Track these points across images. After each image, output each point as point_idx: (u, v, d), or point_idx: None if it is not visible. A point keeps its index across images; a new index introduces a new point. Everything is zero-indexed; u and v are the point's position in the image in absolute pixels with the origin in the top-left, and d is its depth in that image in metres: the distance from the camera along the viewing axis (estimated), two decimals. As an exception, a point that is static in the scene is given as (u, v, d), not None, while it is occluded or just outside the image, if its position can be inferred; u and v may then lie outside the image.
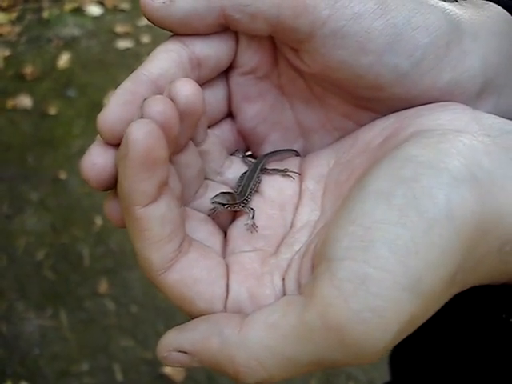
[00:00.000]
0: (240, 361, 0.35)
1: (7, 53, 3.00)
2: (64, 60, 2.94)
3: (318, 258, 0.36)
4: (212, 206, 0.44)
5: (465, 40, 0.41)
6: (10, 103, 2.74)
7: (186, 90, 0.37)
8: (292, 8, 0.38)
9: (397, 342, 0.34)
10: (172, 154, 0.40)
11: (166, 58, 0.40)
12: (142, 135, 0.34)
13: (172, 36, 0.41)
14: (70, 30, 3.15)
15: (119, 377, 1.88)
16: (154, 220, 0.36)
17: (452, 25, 0.40)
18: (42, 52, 3.01)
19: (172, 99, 0.37)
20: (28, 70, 2.89)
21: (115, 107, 0.38)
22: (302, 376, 1.83)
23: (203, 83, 0.43)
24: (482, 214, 0.33)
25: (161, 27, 0.40)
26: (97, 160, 0.38)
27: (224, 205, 0.43)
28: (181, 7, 0.39)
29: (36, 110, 2.73)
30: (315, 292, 0.34)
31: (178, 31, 0.41)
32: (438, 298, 0.34)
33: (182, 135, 0.39)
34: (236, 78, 0.45)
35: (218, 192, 0.44)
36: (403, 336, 0.34)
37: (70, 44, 3.08)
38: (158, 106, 0.35)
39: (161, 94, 0.38)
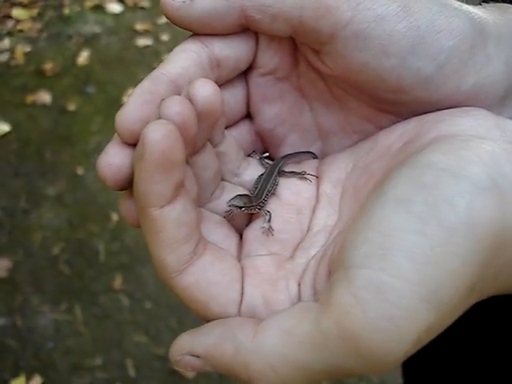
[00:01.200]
0: (254, 367, 0.35)
1: (28, 49, 3.02)
2: (84, 57, 2.96)
3: (335, 265, 0.36)
4: (228, 209, 0.43)
5: (489, 44, 0.40)
6: (29, 99, 2.76)
7: (205, 90, 0.37)
8: (314, 9, 0.38)
9: (412, 353, 0.33)
10: (189, 155, 0.39)
11: (185, 58, 0.40)
12: (158, 137, 0.33)
13: (191, 36, 0.41)
14: (91, 27, 3.17)
15: (132, 372, 1.89)
16: (170, 222, 0.36)
17: (476, 28, 0.39)
18: (63, 48, 3.03)
19: (190, 100, 0.37)
20: (48, 66, 2.91)
21: (134, 107, 0.37)
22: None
23: (222, 83, 0.42)
24: (503, 222, 0.33)
25: (181, 27, 0.39)
26: (113, 160, 0.37)
27: (241, 207, 0.43)
28: (201, 7, 0.38)
29: (55, 105, 2.75)
30: (332, 300, 0.33)
31: (198, 31, 0.40)
32: (457, 308, 0.33)
33: (200, 136, 0.39)
34: (255, 79, 0.44)
35: (234, 194, 0.44)
36: (419, 346, 0.33)
37: (89, 41, 3.10)
38: (176, 107, 0.35)
39: (179, 94, 0.38)
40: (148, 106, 0.37)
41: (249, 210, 0.43)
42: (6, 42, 3.06)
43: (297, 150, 0.48)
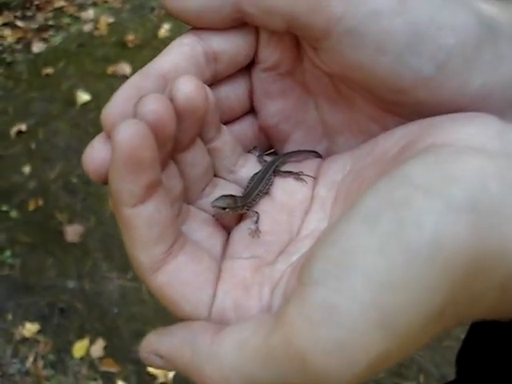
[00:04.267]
0: (207, 373, 0.34)
1: (111, 20, 3.09)
2: (165, 29, 2.99)
3: (297, 277, 0.34)
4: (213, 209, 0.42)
5: (501, 43, 0.36)
6: (110, 69, 2.82)
7: (186, 87, 0.36)
8: (306, 4, 0.36)
9: (370, 375, 0.31)
10: (175, 152, 0.39)
11: (178, 52, 0.39)
12: (127, 136, 0.33)
13: (189, 30, 0.40)
14: None
15: (191, 344, 1.92)
16: (141, 221, 0.35)
17: (485, 26, 0.36)
18: (145, 21, 3.08)
19: (171, 97, 0.36)
20: (130, 37, 2.97)
21: (118, 101, 0.37)
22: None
23: (223, 78, 0.42)
24: (479, 248, 0.29)
25: (179, 19, 0.39)
26: (97, 154, 0.36)
27: (224, 208, 0.41)
28: (196, 0, 0.38)
29: (134, 77, 2.80)
30: (284, 315, 0.32)
31: (195, 24, 0.39)
32: (420, 334, 0.30)
33: (185, 133, 0.39)
34: (258, 74, 0.43)
35: (227, 191, 0.43)
36: (377, 370, 0.31)
37: (171, 14, 3.13)
38: (151, 105, 0.34)
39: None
40: (132, 101, 0.36)
41: (234, 211, 0.42)
42: (91, 13, 3.14)
43: (302, 148, 0.46)
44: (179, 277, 0.37)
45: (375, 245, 0.29)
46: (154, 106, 0.35)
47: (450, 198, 0.29)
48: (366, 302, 0.29)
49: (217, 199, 0.42)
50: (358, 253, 0.30)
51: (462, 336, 0.70)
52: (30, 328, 2.05)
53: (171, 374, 1.86)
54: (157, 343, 0.38)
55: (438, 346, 1.80)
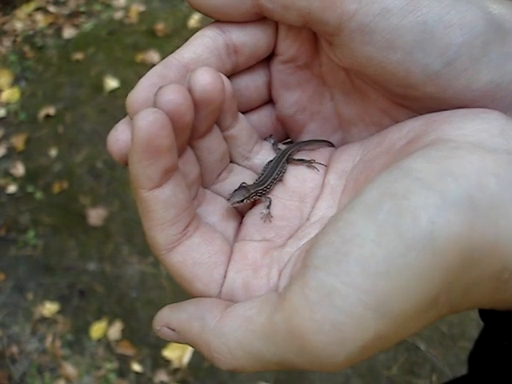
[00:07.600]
0: (214, 347, 0.37)
1: (142, 8, 3.10)
2: (195, 19, 3.00)
3: (302, 260, 0.36)
4: (231, 203, 0.44)
5: (508, 41, 0.38)
6: (139, 57, 2.84)
7: (203, 79, 0.38)
8: (321, 0, 0.38)
9: (365, 356, 0.33)
10: (192, 138, 0.41)
11: (200, 44, 0.41)
12: (145, 124, 0.35)
13: (212, 23, 0.42)
14: (204, -9, 3.19)
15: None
16: (158, 204, 0.38)
17: (492, 25, 0.37)
18: (175, 10, 3.09)
19: (190, 88, 0.38)
20: (159, 26, 2.98)
21: (142, 88, 0.39)
22: (384, 362, 1.82)
23: (243, 69, 0.44)
24: (473, 240, 0.31)
25: (201, 12, 0.41)
26: (120, 136, 0.39)
27: (242, 201, 0.44)
28: None
29: (162, 66, 2.81)
30: (287, 295, 0.34)
31: (217, 17, 0.41)
32: (414, 319, 0.32)
33: (202, 122, 0.41)
34: (277, 66, 0.45)
35: (241, 176, 0.45)
36: (372, 352, 0.33)
37: (201, 5, 3.13)
38: (169, 95, 0.37)
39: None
40: (155, 89, 0.38)
41: (251, 199, 0.44)
42: (122, 1, 3.15)
43: (317, 138, 0.48)
44: (192, 256, 0.40)
45: (373, 234, 0.31)
46: (173, 96, 0.37)
47: (446, 192, 0.31)
48: (362, 287, 0.31)
49: (232, 196, 0.44)
50: (357, 241, 0.31)
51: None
52: (49, 308, 2.09)
53: (186, 360, 1.88)
54: (169, 317, 0.40)
55: (453, 346, 1.79)
